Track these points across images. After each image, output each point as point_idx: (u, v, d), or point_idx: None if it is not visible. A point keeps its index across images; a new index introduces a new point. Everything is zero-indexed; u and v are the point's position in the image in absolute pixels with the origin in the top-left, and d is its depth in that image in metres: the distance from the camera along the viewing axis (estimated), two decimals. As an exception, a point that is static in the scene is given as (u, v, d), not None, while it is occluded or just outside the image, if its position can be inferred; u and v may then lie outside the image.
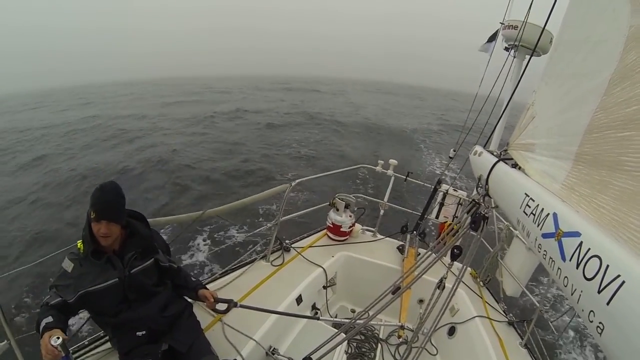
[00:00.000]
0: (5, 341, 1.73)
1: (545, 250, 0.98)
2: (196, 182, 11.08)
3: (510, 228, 3.20)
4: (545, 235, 0.98)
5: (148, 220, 1.99)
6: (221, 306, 2.05)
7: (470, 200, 1.81)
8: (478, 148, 1.99)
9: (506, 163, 1.56)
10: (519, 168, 1.52)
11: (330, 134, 19.72)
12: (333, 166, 10.91)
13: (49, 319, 1.52)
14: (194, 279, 2.14)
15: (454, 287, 1.64)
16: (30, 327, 1.64)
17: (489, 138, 2.73)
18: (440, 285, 1.89)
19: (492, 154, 1.84)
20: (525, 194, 1.16)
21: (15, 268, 2.02)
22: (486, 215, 1.55)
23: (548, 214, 1.00)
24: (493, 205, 1.60)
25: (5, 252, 7.22)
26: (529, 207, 1.11)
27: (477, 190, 1.74)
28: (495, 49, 4.37)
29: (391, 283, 3.45)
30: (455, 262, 1.89)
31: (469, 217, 1.64)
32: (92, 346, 2.07)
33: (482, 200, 1.62)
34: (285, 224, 3.36)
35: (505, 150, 1.83)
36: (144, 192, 10.28)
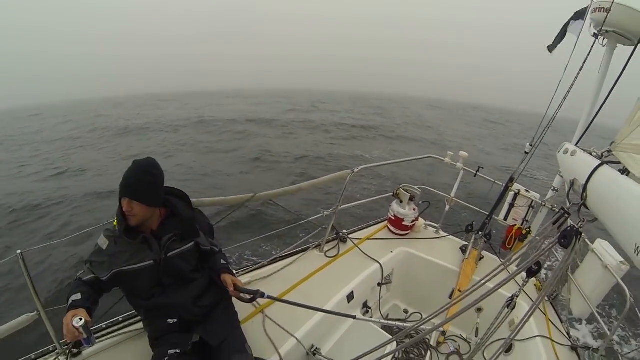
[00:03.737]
0: (35, 312, 1.75)
1: None
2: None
3: (586, 240, 2.75)
4: None
5: (192, 200, 1.89)
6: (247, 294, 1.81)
7: (559, 208, 1.53)
8: (569, 146, 1.67)
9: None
10: (628, 174, 1.23)
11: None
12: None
13: (78, 296, 1.48)
14: (223, 262, 1.92)
15: (530, 313, 1.44)
16: (61, 300, 1.60)
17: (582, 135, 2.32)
18: (511, 303, 1.65)
19: (591, 154, 1.53)
20: None
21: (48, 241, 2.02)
22: (580, 230, 1.28)
23: None
24: (590, 219, 1.31)
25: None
26: None
27: (568, 198, 1.45)
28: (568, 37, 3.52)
29: (449, 285, 3.19)
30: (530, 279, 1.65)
31: (557, 231, 1.37)
32: (126, 323, 2.05)
33: (575, 211, 1.35)
34: (343, 214, 3.16)
35: (609, 152, 1.51)
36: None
